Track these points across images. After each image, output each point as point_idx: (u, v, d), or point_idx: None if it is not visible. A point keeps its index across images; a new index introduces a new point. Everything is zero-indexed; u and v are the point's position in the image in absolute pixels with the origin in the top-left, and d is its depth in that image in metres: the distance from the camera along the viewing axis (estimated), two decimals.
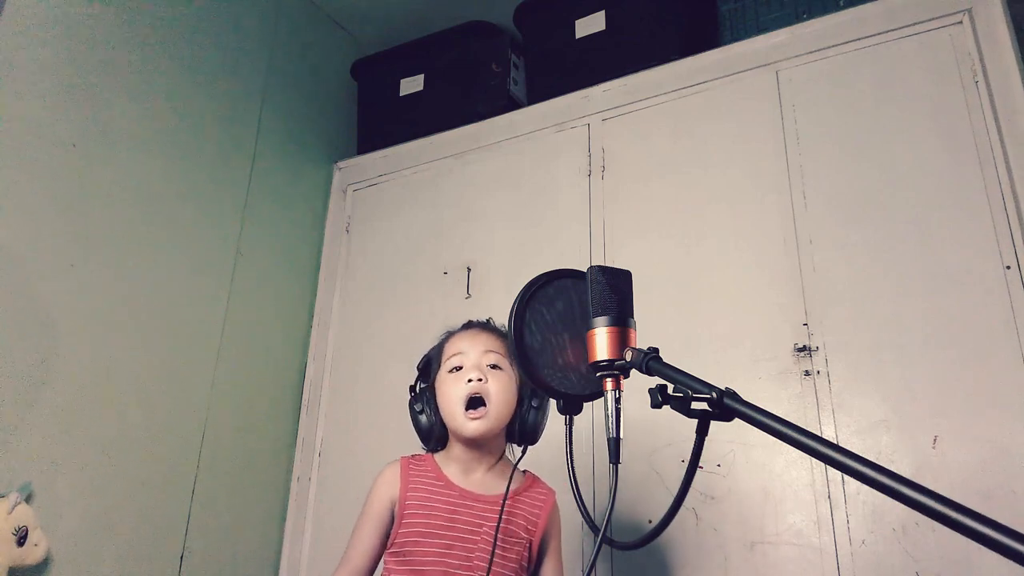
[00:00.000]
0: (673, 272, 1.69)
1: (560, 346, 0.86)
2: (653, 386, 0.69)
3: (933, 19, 1.58)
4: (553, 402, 0.89)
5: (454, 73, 2.26)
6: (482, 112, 2.14)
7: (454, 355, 1.18)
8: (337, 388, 2.10)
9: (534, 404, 1.18)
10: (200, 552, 1.75)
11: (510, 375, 1.17)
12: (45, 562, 1.40)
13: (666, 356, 0.74)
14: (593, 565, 0.78)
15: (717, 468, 1.50)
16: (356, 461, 1.94)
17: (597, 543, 0.75)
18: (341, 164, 2.37)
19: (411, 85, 2.32)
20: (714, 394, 0.65)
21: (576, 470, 0.84)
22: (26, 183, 1.50)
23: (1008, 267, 1.37)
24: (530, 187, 1.98)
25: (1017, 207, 1.39)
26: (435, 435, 1.20)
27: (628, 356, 0.76)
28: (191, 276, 1.84)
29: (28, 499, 1.39)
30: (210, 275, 1.90)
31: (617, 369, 0.77)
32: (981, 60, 1.50)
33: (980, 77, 1.49)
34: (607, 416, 0.77)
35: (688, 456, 0.70)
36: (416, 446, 1.26)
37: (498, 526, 1.10)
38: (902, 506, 0.49)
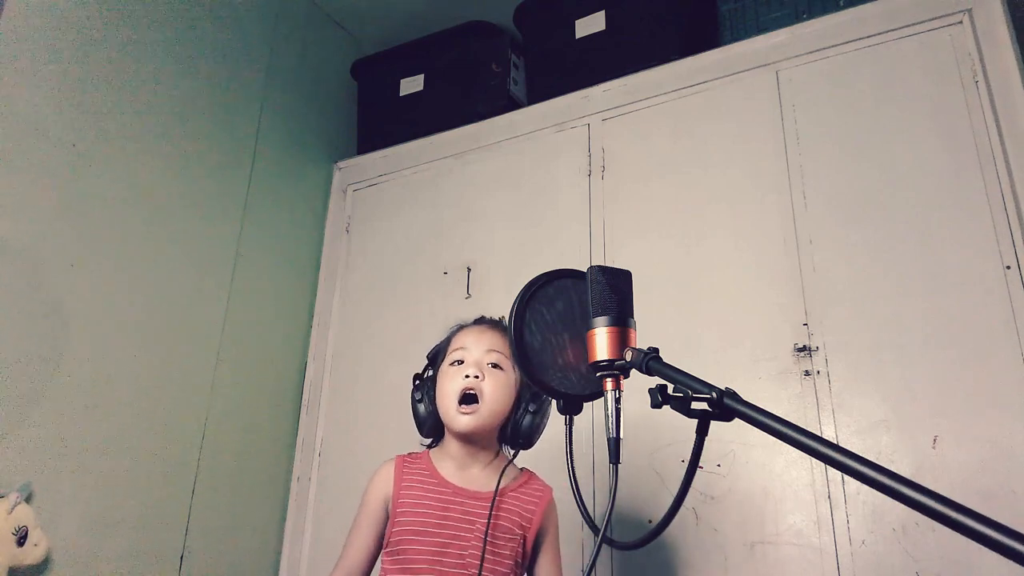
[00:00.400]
0: (673, 272, 1.69)
1: (560, 346, 0.86)
2: (653, 386, 0.69)
3: (933, 19, 1.58)
4: (553, 403, 0.89)
5: (454, 73, 2.26)
6: (482, 112, 2.14)
7: (458, 349, 1.19)
8: (337, 388, 2.10)
9: (530, 408, 1.17)
10: (200, 552, 1.74)
11: (510, 376, 1.17)
12: (45, 562, 1.40)
13: (666, 356, 0.74)
14: (593, 565, 0.78)
15: (717, 468, 1.50)
16: (356, 461, 1.94)
17: (597, 543, 0.75)
18: (341, 164, 2.37)
19: (411, 85, 2.32)
20: (714, 394, 0.65)
21: (576, 470, 0.84)
22: (26, 183, 1.50)
23: (1008, 267, 1.37)
24: (530, 187, 1.98)
25: (1017, 207, 1.39)
26: (428, 424, 1.20)
27: (628, 356, 0.76)
28: (191, 276, 1.84)
29: (28, 499, 1.39)
30: (210, 275, 1.90)
31: (617, 369, 0.77)
32: (981, 60, 1.50)
33: (980, 77, 1.49)
34: (607, 416, 0.77)
35: (688, 456, 0.70)
36: (415, 444, 1.26)
37: (488, 522, 1.11)
38: (902, 506, 0.49)
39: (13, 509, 1.33)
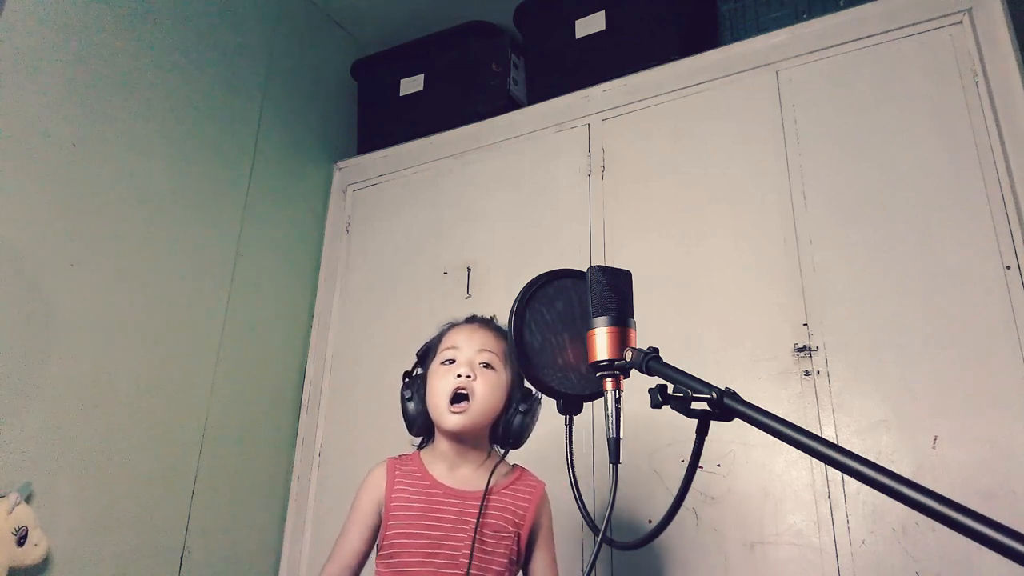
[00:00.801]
0: (673, 272, 1.69)
1: (560, 346, 0.86)
2: (653, 386, 0.69)
3: (933, 19, 1.58)
4: (550, 403, 0.88)
5: (454, 73, 2.26)
6: (482, 112, 2.14)
7: (449, 348, 1.18)
8: (337, 388, 2.10)
9: (521, 409, 1.17)
10: (200, 552, 1.74)
11: (501, 376, 1.17)
12: (45, 562, 1.40)
13: (666, 356, 0.74)
14: (593, 565, 0.78)
15: (717, 468, 1.50)
16: (356, 461, 1.94)
17: (597, 543, 0.75)
18: (341, 164, 2.37)
19: (411, 85, 2.32)
20: (714, 394, 0.65)
21: (576, 470, 0.84)
22: (26, 183, 1.50)
23: (1008, 267, 1.37)
24: (530, 187, 1.98)
25: (1017, 207, 1.39)
26: (418, 423, 1.20)
27: (628, 356, 0.76)
28: (191, 276, 1.84)
29: (28, 499, 1.39)
30: (210, 275, 1.90)
31: (617, 369, 0.77)
32: (981, 60, 1.50)
33: (980, 77, 1.49)
34: (607, 416, 0.77)
35: (688, 456, 0.70)
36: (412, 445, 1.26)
37: (478, 520, 1.10)
38: (902, 506, 0.49)
39: (13, 509, 1.33)
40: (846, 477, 1.34)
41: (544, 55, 2.14)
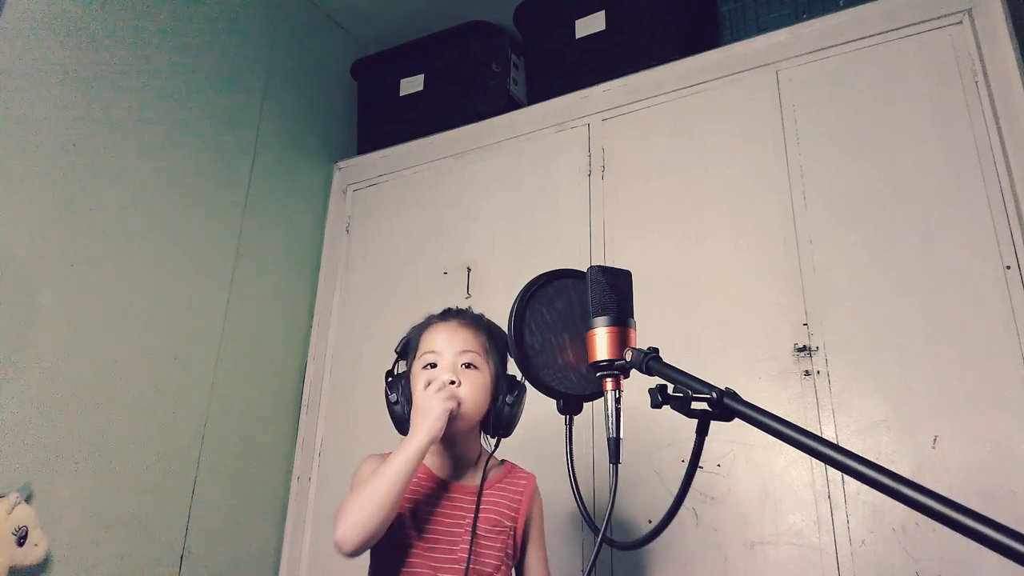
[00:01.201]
0: (673, 272, 1.69)
1: (560, 346, 0.86)
2: (653, 386, 0.69)
3: (933, 19, 1.58)
4: (541, 397, 0.88)
5: (454, 73, 2.26)
6: (482, 112, 2.14)
7: (429, 352, 1.17)
8: (337, 388, 2.10)
9: (508, 400, 1.17)
10: (200, 552, 1.74)
11: (485, 374, 1.17)
12: (45, 562, 1.40)
13: (666, 356, 0.74)
14: (593, 565, 0.78)
15: (717, 468, 1.50)
16: (356, 461, 1.93)
17: (597, 543, 0.75)
18: (341, 164, 2.37)
19: (411, 85, 2.32)
20: (714, 394, 0.64)
21: (576, 470, 0.84)
22: (26, 183, 1.50)
23: (1008, 267, 1.37)
24: (530, 187, 1.98)
25: (1017, 207, 1.39)
26: (408, 423, 1.19)
27: (628, 356, 0.76)
28: (191, 276, 1.84)
29: (28, 499, 1.39)
30: (210, 275, 1.90)
31: (617, 369, 0.77)
32: (981, 60, 1.50)
33: (980, 77, 1.49)
34: (607, 416, 0.77)
35: (688, 456, 0.70)
36: None
37: (476, 516, 1.11)
38: (902, 506, 0.49)
39: (13, 509, 1.33)
40: (846, 477, 1.34)
41: (544, 55, 2.14)
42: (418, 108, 2.29)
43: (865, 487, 1.24)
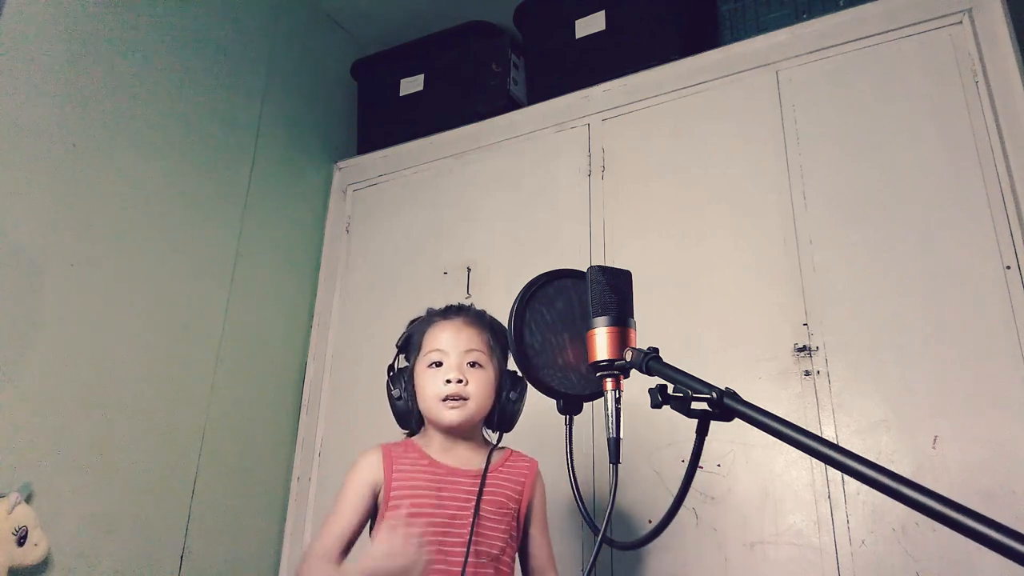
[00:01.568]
0: (673, 272, 1.69)
1: (560, 346, 0.86)
2: (653, 386, 0.69)
3: (933, 19, 1.58)
4: (542, 396, 0.88)
5: (454, 73, 2.26)
6: (482, 112, 2.14)
7: (434, 350, 1.18)
8: (337, 388, 2.10)
9: (512, 397, 1.19)
10: (200, 552, 1.74)
11: (490, 371, 1.18)
12: (45, 562, 1.40)
13: (666, 356, 0.74)
14: (593, 565, 0.78)
15: (717, 468, 1.50)
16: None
17: (597, 543, 0.75)
18: (341, 164, 2.37)
19: (411, 85, 2.32)
20: (714, 394, 0.65)
21: (576, 470, 0.84)
22: (26, 183, 1.50)
23: (1008, 267, 1.37)
24: (530, 187, 1.98)
25: (1017, 207, 1.39)
26: (413, 419, 1.21)
27: (628, 356, 0.76)
28: (191, 276, 1.84)
29: (28, 499, 1.39)
30: (210, 275, 1.90)
31: (617, 369, 0.77)
32: (981, 60, 1.50)
33: (980, 77, 1.49)
34: (607, 416, 0.77)
35: (688, 456, 0.70)
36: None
37: (479, 496, 1.12)
38: (902, 506, 0.49)
39: (13, 509, 1.33)
40: (846, 477, 1.34)
41: (544, 55, 2.14)
42: (418, 108, 2.29)
43: (865, 487, 1.24)
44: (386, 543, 1.00)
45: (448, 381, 1.14)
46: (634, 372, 0.76)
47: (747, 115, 1.73)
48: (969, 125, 1.48)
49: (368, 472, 1.16)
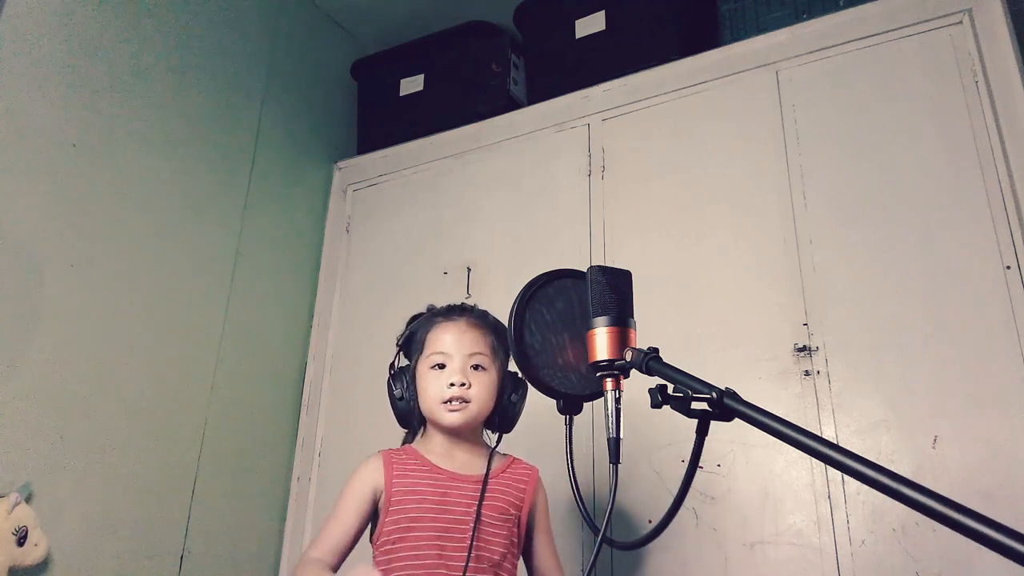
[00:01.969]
0: (673, 272, 1.69)
1: (560, 346, 0.86)
2: (653, 386, 0.69)
3: (933, 19, 1.58)
4: (542, 396, 0.88)
5: (454, 73, 2.26)
6: (482, 112, 2.14)
7: (437, 352, 1.18)
8: (337, 388, 2.10)
9: (513, 399, 1.19)
10: (200, 552, 1.74)
11: (492, 373, 1.19)
12: (45, 562, 1.40)
13: (666, 356, 0.74)
14: (593, 565, 0.78)
15: (717, 468, 1.50)
16: (356, 461, 1.93)
17: (597, 543, 0.75)
18: (341, 164, 2.37)
19: (411, 85, 2.32)
20: (714, 394, 0.65)
21: (576, 470, 0.84)
22: (26, 183, 1.50)
23: (1008, 267, 1.37)
24: (530, 187, 1.98)
25: (1017, 207, 1.39)
26: (415, 419, 1.21)
27: (628, 356, 0.76)
28: (191, 276, 1.84)
29: (28, 499, 1.39)
30: (210, 275, 1.90)
31: (617, 369, 0.77)
32: (981, 60, 1.50)
33: (980, 77, 1.49)
34: (607, 416, 0.77)
35: (688, 456, 0.70)
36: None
37: (480, 502, 1.12)
38: (902, 506, 0.49)
39: (13, 509, 1.33)
40: (846, 477, 1.34)
41: (544, 55, 2.14)
42: (418, 108, 2.29)
43: (865, 487, 1.24)
44: None
45: (451, 384, 1.14)
46: (634, 372, 0.77)
47: (747, 115, 1.73)
48: (969, 125, 1.48)
49: (369, 478, 1.16)
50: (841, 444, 1.19)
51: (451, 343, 1.17)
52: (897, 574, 1.30)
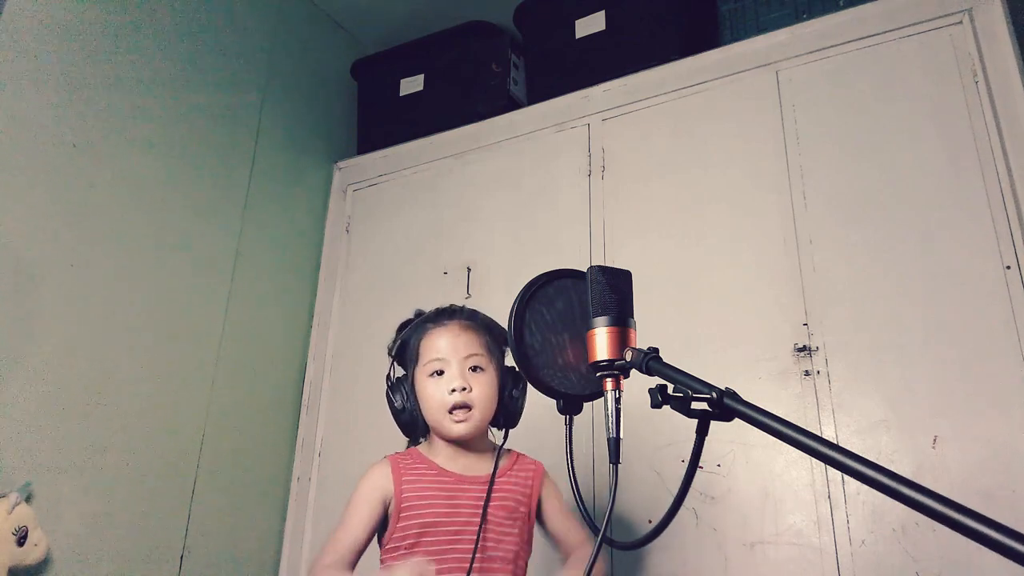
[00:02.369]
0: (673, 272, 1.69)
1: (560, 346, 0.86)
2: (653, 386, 0.69)
3: (933, 19, 1.58)
4: (541, 397, 0.88)
5: (454, 73, 2.26)
6: (482, 112, 2.14)
7: (434, 359, 1.17)
8: (337, 388, 2.10)
9: (515, 394, 1.19)
10: (200, 552, 1.74)
11: (491, 373, 1.18)
12: (45, 562, 1.40)
13: (666, 356, 0.74)
14: (593, 565, 0.78)
15: (717, 468, 1.50)
16: (356, 461, 1.93)
17: (597, 543, 0.75)
18: (341, 164, 2.37)
19: (411, 85, 2.32)
20: (714, 394, 0.64)
21: (576, 470, 0.84)
22: (26, 183, 1.50)
23: (1008, 267, 1.37)
24: (530, 187, 1.98)
25: (1017, 207, 1.39)
26: (419, 429, 1.20)
27: (628, 356, 0.76)
28: (191, 276, 1.84)
29: (28, 499, 1.39)
30: (210, 275, 1.90)
31: (617, 369, 0.77)
32: (981, 60, 1.50)
33: (980, 77, 1.49)
34: (607, 416, 0.77)
35: (688, 456, 0.70)
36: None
37: (487, 502, 1.12)
38: (902, 506, 0.49)
39: (13, 509, 1.33)
40: (846, 477, 1.34)
41: (544, 55, 2.14)
42: (418, 108, 2.29)
43: (865, 487, 1.24)
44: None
45: (453, 390, 1.14)
46: (634, 372, 0.76)
47: (747, 115, 1.73)
48: (969, 125, 1.48)
49: (379, 483, 1.15)
50: (841, 444, 1.19)
51: (446, 348, 1.17)
52: (897, 574, 1.29)
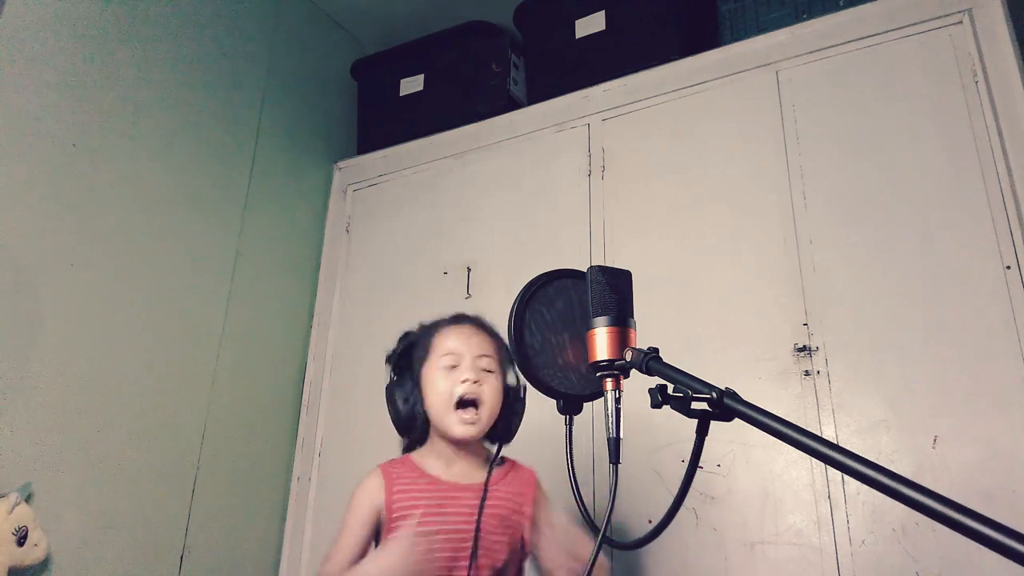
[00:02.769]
0: (673, 272, 1.69)
1: (560, 346, 0.86)
2: (653, 386, 0.69)
3: (933, 19, 1.58)
4: (541, 397, 0.88)
5: (454, 73, 2.26)
6: (482, 112, 2.14)
7: (448, 353, 1.18)
8: (337, 388, 2.10)
9: (517, 409, 1.20)
10: (200, 552, 1.74)
11: (499, 379, 1.19)
12: (45, 562, 1.40)
13: (666, 356, 0.74)
14: (593, 565, 0.78)
15: (717, 468, 1.50)
16: (356, 461, 1.94)
17: (597, 543, 0.75)
18: (341, 164, 2.37)
19: (411, 85, 2.32)
20: (714, 394, 0.64)
21: (576, 470, 0.84)
22: (26, 183, 1.50)
23: (1008, 267, 1.37)
24: (530, 187, 1.98)
25: (1017, 207, 1.39)
26: (418, 426, 1.20)
27: (628, 356, 0.76)
28: (191, 276, 1.84)
29: (28, 499, 1.39)
30: (210, 275, 1.90)
31: (617, 369, 0.77)
32: (981, 60, 1.50)
33: (980, 77, 1.49)
34: (607, 416, 0.77)
35: (688, 456, 0.70)
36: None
37: (480, 510, 1.12)
38: (902, 506, 0.49)
39: (13, 509, 1.33)
40: (846, 477, 1.34)
41: (544, 55, 2.14)
42: (418, 108, 2.29)
43: (865, 487, 1.24)
44: (393, 551, 1.04)
45: (465, 380, 1.14)
46: (634, 372, 0.76)
47: (747, 115, 1.73)
48: (969, 125, 1.48)
49: (370, 495, 1.16)
50: (841, 444, 1.19)
51: (460, 344, 1.18)
52: (897, 574, 1.30)
